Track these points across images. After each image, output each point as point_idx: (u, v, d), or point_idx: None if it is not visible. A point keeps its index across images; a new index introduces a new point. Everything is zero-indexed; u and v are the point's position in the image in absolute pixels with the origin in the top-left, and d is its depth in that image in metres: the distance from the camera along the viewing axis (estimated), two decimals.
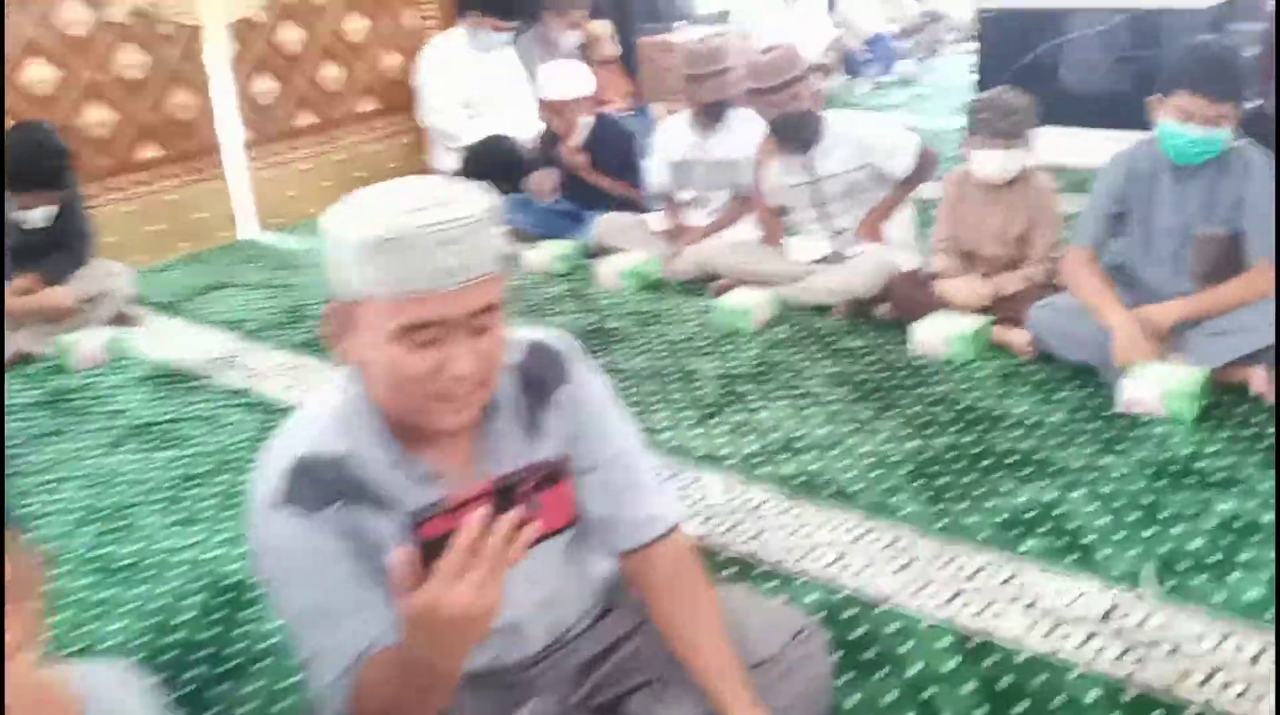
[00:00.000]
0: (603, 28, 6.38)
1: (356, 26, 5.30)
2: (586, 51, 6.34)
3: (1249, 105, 3.38)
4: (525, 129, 5.51)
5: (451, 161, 5.46)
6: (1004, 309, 3.24)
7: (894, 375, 3.13)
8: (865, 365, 3.20)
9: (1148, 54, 5.00)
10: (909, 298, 3.43)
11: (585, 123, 4.35)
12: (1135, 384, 2.78)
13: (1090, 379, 2.98)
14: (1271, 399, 2.77)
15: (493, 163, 5.26)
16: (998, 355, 3.19)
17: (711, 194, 4.08)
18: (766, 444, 2.76)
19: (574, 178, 4.47)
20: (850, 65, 7.57)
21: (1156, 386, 2.75)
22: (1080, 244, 3.08)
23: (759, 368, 3.23)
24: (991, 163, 3.26)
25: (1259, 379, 2.79)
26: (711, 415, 2.95)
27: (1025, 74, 5.28)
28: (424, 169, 5.66)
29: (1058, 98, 5.21)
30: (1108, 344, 2.91)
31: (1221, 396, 2.82)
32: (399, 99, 5.54)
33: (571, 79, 4.39)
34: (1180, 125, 2.81)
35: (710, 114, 3.96)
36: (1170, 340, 2.93)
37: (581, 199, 4.52)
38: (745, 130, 3.93)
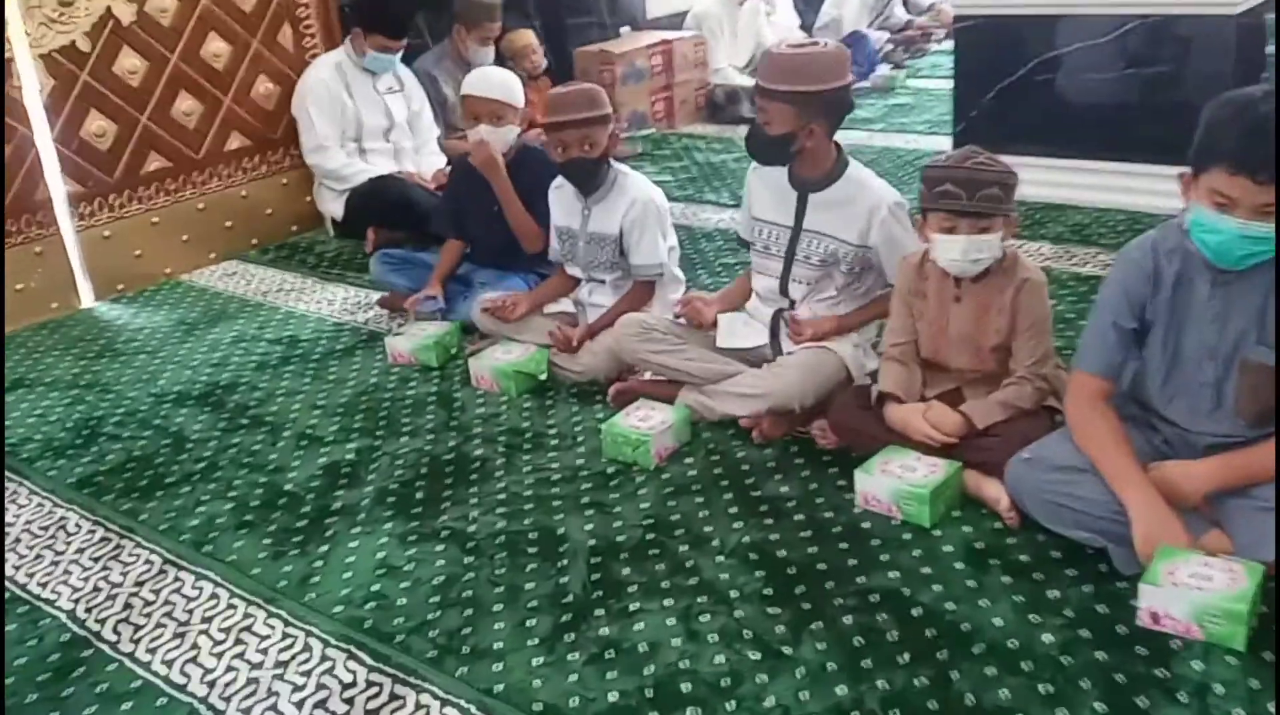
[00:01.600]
0: (527, 38, 5.55)
1: (217, 50, 4.45)
2: (509, 67, 5.53)
3: None
4: (426, 164, 4.69)
5: (339, 206, 4.64)
6: (978, 450, 2.41)
7: (826, 548, 2.29)
8: (790, 530, 2.37)
9: (1165, 70, 4.12)
10: (853, 424, 2.60)
11: (505, 136, 3.48)
12: (1158, 595, 1.95)
13: (1093, 565, 2.15)
14: None
15: (382, 208, 4.45)
16: (969, 514, 2.36)
17: (597, 273, 3.22)
18: (635, 688, 1.93)
19: (475, 222, 3.60)
20: None
21: (1188, 598, 1.92)
22: (1089, 370, 2.24)
23: (649, 532, 2.40)
24: (955, 250, 2.42)
25: None
26: (570, 625, 2.11)
27: (1012, 94, 4.44)
28: (309, 215, 4.83)
29: (1053, 123, 4.37)
30: (1120, 519, 2.09)
31: None
32: (275, 133, 4.70)
33: (501, 81, 3.52)
34: (1216, 216, 1.97)
35: (575, 176, 3.10)
36: (1205, 510, 2.11)
37: (480, 255, 3.67)
38: (628, 199, 3.09)
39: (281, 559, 2.42)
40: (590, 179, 3.08)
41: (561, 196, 3.20)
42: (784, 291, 2.84)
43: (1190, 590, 1.92)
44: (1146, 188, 4.16)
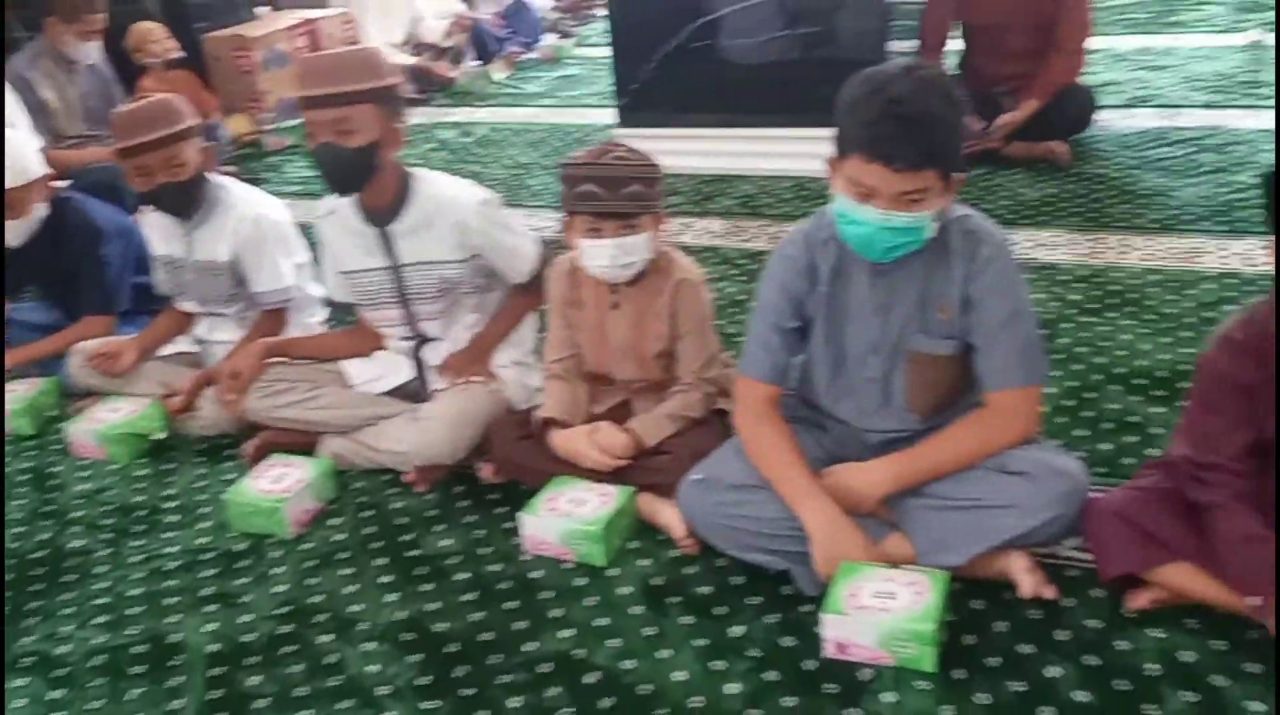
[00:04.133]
0: (145, 28, 4.92)
1: None
2: (133, 61, 4.89)
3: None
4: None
5: None
6: (650, 471, 2.18)
7: (492, 612, 2.00)
8: (451, 594, 2.07)
9: (821, 29, 4.04)
10: (516, 458, 2.31)
11: (35, 218, 2.86)
12: (842, 623, 1.78)
13: (777, 589, 1.97)
14: (1047, 595, 1.86)
15: None
16: (647, 544, 2.14)
17: (214, 307, 2.78)
18: None
19: (34, 273, 3.04)
20: (482, 45, 6.36)
21: (873, 622, 1.76)
22: (754, 376, 2.04)
23: (284, 624, 2.02)
24: (602, 255, 2.17)
25: (1025, 573, 1.87)
26: None
27: (672, 63, 4.27)
28: None
29: (716, 92, 4.24)
30: (800, 536, 1.91)
31: (968, 610, 1.87)
32: None
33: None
34: (857, 206, 1.81)
35: (166, 204, 2.64)
36: (883, 513, 1.97)
37: (67, 305, 3.02)
38: (234, 220, 2.66)
39: None
40: (186, 204, 2.62)
41: (157, 221, 2.72)
42: (418, 333, 2.51)
43: (874, 614, 1.76)
44: (811, 152, 4.05)
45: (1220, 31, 5.49)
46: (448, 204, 2.37)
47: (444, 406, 2.36)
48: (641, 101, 4.38)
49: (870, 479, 1.95)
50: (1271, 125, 4.06)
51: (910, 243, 1.82)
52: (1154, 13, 6.05)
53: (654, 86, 4.33)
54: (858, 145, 1.75)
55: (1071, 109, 3.97)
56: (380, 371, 2.53)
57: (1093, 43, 4.00)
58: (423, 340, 2.50)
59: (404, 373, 2.52)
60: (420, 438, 2.32)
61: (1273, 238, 1.66)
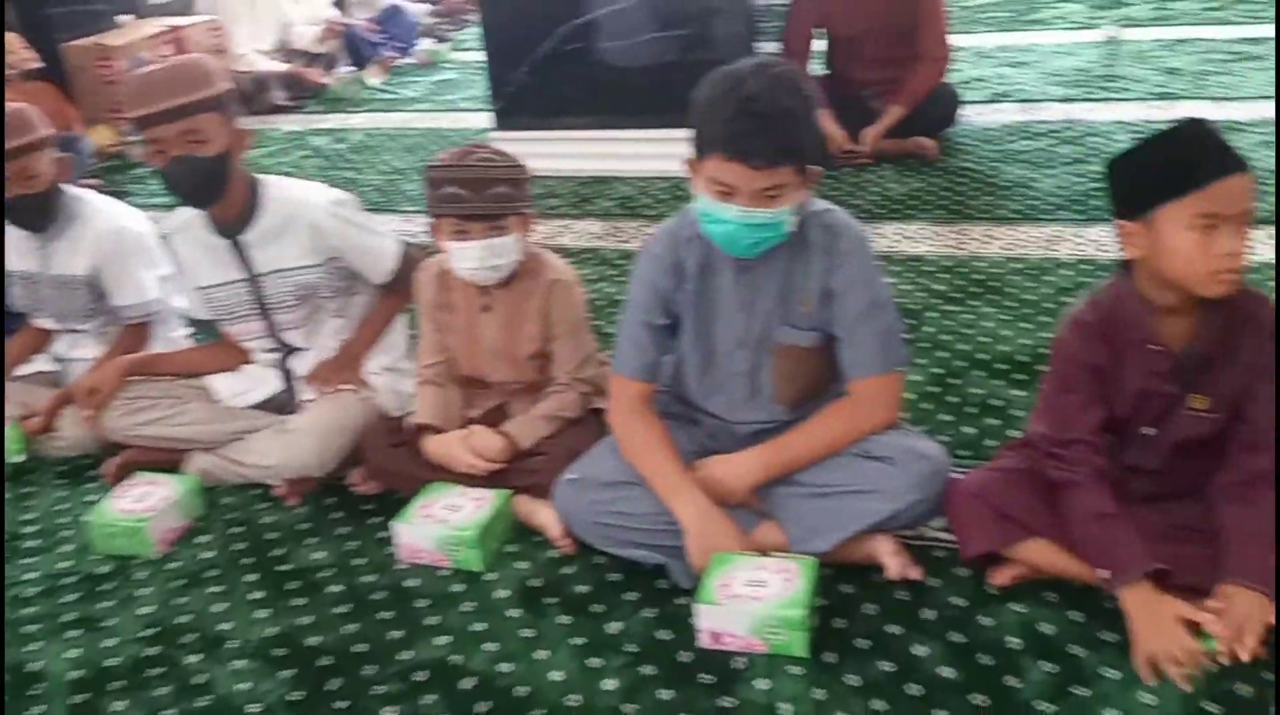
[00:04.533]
0: (4, 40, 4.73)
1: None
2: None
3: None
4: None
5: None
6: (526, 473, 2.18)
7: (366, 623, 1.97)
8: (324, 607, 2.02)
9: (690, 31, 4.08)
10: (389, 466, 2.28)
11: None
12: (715, 613, 1.80)
13: (653, 584, 1.98)
14: (913, 576, 1.91)
15: None
16: (525, 547, 2.13)
17: (73, 323, 2.69)
18: None
19: None
20: (356, 50, 6.27)
21: (744, 611, 1.78)
22: (626, 374, 2.05)
23: (150, 646, 1.96)
24: (470, 258, 2.16)
25: (891, 555, 1.91)
26: None
27: (546, 66, 4.27)
28: None
29: (591, 94, 4.24)
30: (674, 530, 1.93)
31: (838, 594, 1.91)
32: None
33: None
34: (718, 204, 1.83)
35: (18, 217, 2.56)
36: (754, 503, 2.00)
37: None
38: (93, 233, 2.58)
39: None
40: (40, 217, 2.54)
41: (11, 235, 2.62)
42: (283, 344, 2.46)
43: (746, 602, 1.79)
44: (685, 153, 4.13)
45: (1078, 28, 5.71)
46: (299, 207, 2.33)
47: (311, 417, 2.32)
48: (517, 105, 4.37)
49: (739, 470, 1.98)
50: (1125, 117, 4.25)
51: (772, 237, 1.85)
52: (1015, 11, 6.27)
53: (529, 90, 4.33)
54: (716, 145, 1.78)
55: (937, 107, 4.09)
56: (247, 385, 2.47)
57: (958, 40, 4.12)
58: (288, 351, 2.45)
59: (272, 385, 2.47)
60: (287, 451, 2.28)
61: (1120, 224, 1.73)
